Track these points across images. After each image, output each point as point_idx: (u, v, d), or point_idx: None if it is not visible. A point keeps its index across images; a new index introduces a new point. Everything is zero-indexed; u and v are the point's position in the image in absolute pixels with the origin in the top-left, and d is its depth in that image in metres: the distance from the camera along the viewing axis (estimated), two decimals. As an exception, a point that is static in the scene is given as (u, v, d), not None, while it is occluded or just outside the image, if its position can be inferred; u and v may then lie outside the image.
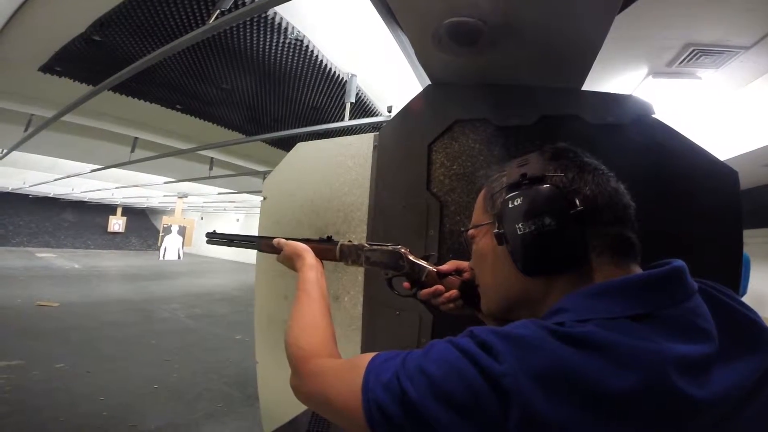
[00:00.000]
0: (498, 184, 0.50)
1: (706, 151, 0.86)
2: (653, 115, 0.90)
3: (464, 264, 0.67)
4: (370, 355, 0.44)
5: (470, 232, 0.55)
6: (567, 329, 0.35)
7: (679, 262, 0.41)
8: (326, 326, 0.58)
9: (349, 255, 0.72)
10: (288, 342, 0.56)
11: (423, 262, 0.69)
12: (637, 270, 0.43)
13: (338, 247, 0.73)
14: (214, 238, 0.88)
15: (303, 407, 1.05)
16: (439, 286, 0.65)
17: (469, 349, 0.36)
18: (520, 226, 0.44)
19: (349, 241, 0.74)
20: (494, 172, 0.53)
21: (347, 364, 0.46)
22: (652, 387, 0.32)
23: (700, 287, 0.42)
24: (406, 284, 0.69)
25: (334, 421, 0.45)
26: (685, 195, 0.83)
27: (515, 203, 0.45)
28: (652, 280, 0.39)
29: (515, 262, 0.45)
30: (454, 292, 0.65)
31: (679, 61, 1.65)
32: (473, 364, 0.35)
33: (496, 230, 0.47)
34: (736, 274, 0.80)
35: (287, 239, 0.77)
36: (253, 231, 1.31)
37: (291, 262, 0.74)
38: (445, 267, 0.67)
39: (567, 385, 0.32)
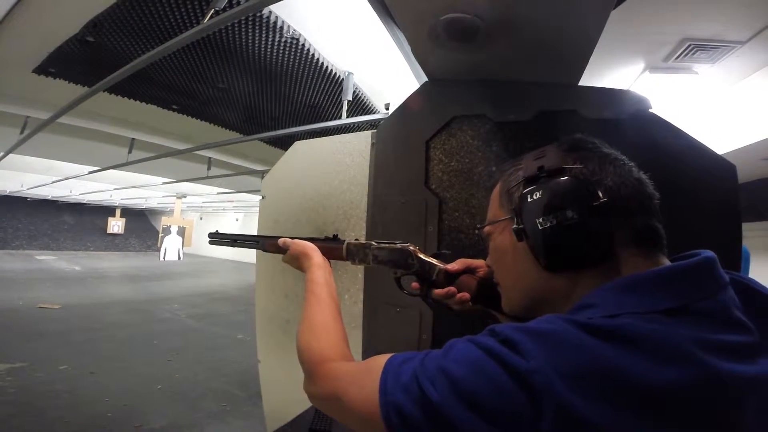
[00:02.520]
0: (514, 179, 0.48)
1: (703, 145, 0.86)
2: (650, 110, 0.90)
3: (475, 262, 0.65)
4: (386, 357, 0.42)
5: (486, 228, 0.53)
6: (598, 322, 0.34)
7: (709, 253, 0.40)
8: (337, 328, 0.57)
9: (356, 254, 0.70)
10: (299, 347, 0.55)
11: (433, 260, 0.66)
12: (665, 261, 0.41)
13: (345, 245, 0.71)
14: (216, 238, 0.86)
15: (306, 405, 1.06)
16: (452, 288, 0.63)
17: (492, 346, 0.34)
18: (540, 220, 0.42)
19: (356, 240, 0.72)
20: (508, 166, 0.51)
21: (362, 367, 0.45)
22: (696, 377, 0.31)
23: (732, 278, 0.40)
24: (414, 284, 0.67)
25: (351, 427, 0.43)
26: (684, 189, 0.83)
27: (534, 197, 0.43)
28: (682, 273, 0.38)
29: (537, 258, 0.43)
30: (465, 295, 0.62)
31: (676, 56, 1.65)
32: (498, 362, 0.33)
33: (515, 226, 0.45)
34: (735, 268, 0.80)
35: (292, 238, 0.74)
36: (253, 230, 1.32)
37: (297, 262, 0.72)
38: (455, 266, 0.65)
39: (604, 381, 0.30)
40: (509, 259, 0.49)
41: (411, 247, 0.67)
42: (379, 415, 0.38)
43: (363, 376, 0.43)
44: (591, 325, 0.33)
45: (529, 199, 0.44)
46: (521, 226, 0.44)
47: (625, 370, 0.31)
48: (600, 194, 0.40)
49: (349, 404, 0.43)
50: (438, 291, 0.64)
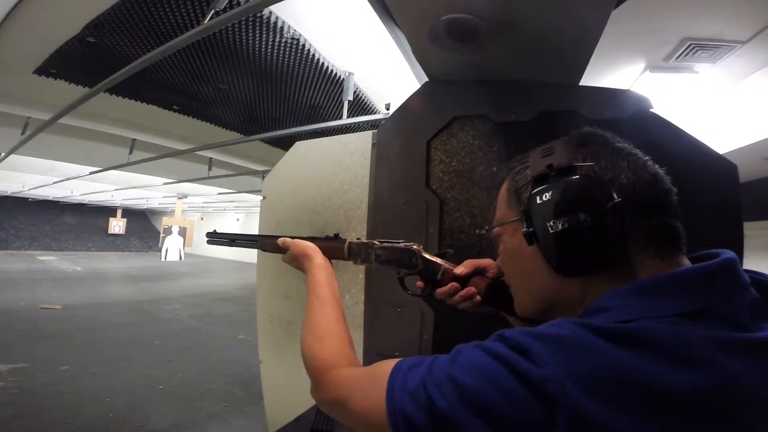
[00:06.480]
0: (522, 178, 0.46)
1: (705, 145, 0.86)
2: (651, 110, 0.90)
3: (483, 262, 0.63)
4: (392, 363, 0.41)
5: (495, 230, 0.51)
6: (612, 326, 0.32)
7: (730, 254, 0.38)
8: (342, 332, 0.55)
9: (358, 253, 0.68)
10: (304, 354, 0.53)
11: (438, 260, 0.64)
12: (685, 262, 0.39)
13: (346, 245, 0.69)
14: (215, 238, 0.85)
15: (307, 405, 1.06)
16: (454, 284, 0.61)
17: (502, 352, 0.33)
18: (551, 223, 0.40)
19: (358, 239, 0.70)
20: (515, 162, 0.49)
21: (369, 373, 0.44)
22: (716, 381, 0.29)
23: (752, 278, 0.38)
24: (419, 283, 0.66)
25: None
26: (685, 189, 0.83)
27: (543, 198, 0.41)
28: (702, 275, 0.36)
29: (548, 262, 0.41)
30: (471, 290, 0.61)
31: (676, 55, 1.64)
32: (508, 368, 0.32)
33: (525, 229, 0.42)
34: (735, 266, 0.80)
35: (293, 238, 0.73)
36: (254, 230, 1.31)
37: (298, 262, 0.70)
38: (463, 269, 0.62)
39: (619, 386, 0.29)
40: (520, 261, 0.46)
41: (415, 247, 0.65)
42: (386, 422, 0.37)
43: (370, 383, 0.42)
44: (604, 329, 0.32)
45: (538, 201, 0.41)
46: (531, 229, 0.42)
47: (642, 375, 0.29)
48: (614, 194, 0.37)
49: (357, 411, 0.42)
50: (441, 289, 0.62)
